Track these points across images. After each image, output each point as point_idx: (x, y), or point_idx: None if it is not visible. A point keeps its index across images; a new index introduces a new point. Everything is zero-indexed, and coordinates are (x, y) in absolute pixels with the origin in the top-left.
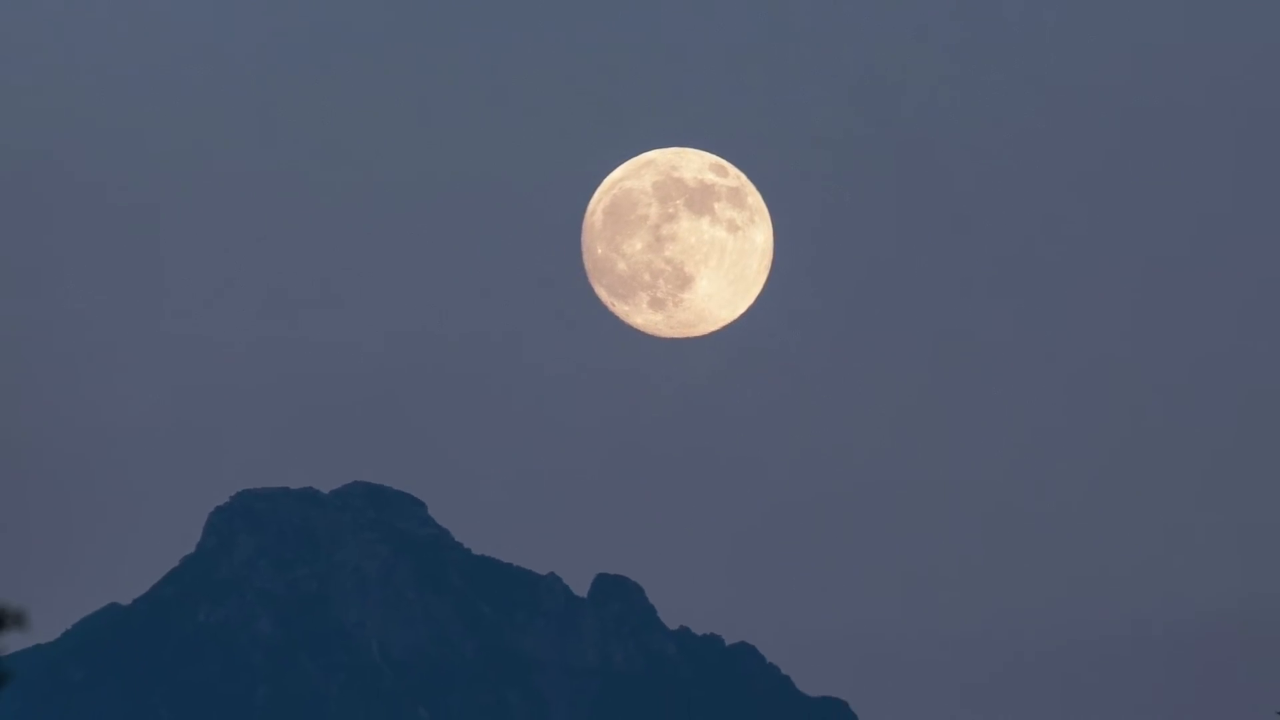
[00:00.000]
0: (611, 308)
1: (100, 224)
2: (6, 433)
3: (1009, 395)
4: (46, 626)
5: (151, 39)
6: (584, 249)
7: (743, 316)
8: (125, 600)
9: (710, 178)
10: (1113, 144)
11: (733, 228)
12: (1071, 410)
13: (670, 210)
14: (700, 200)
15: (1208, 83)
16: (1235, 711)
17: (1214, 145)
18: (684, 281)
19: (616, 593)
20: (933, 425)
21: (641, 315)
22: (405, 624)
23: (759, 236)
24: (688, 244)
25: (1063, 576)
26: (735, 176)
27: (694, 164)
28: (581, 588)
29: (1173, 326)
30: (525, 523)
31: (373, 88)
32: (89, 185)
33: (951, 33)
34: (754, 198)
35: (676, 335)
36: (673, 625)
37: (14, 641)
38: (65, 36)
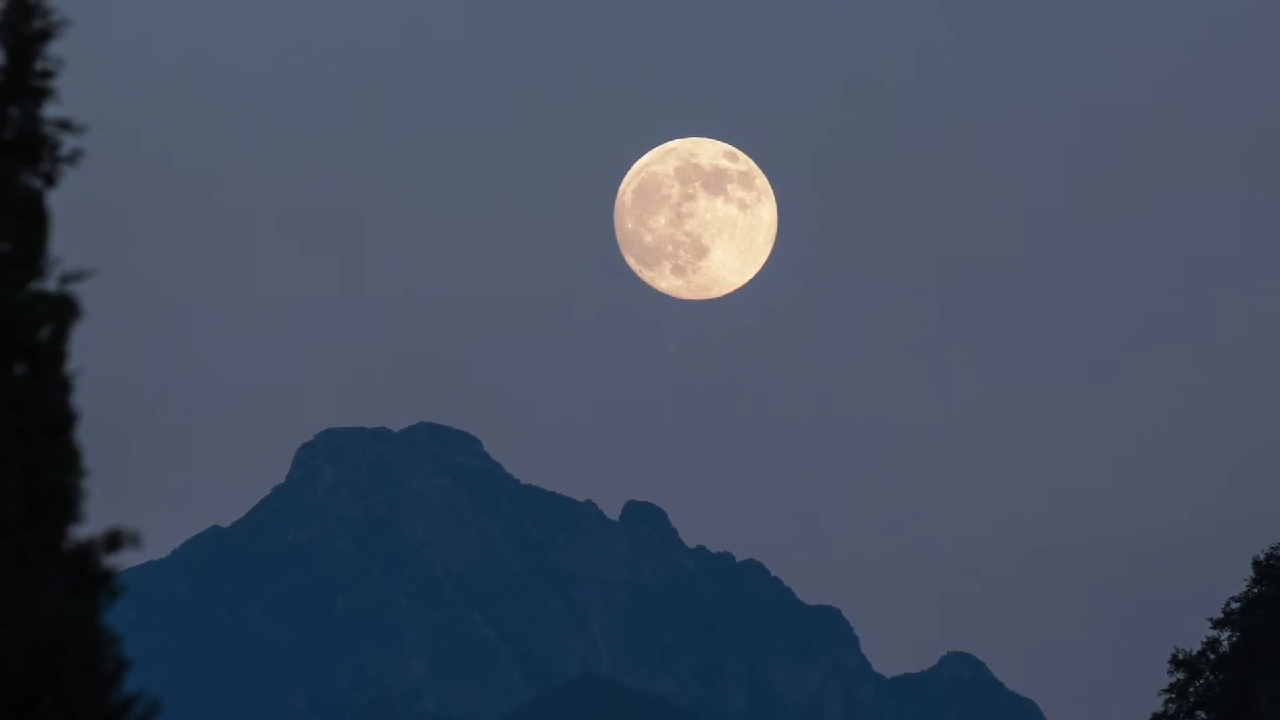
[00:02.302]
0: (639, 274)
1: (204, 205)
2: (128, 382)
3: (978, 347)
4: (158, 545)
5: (249, 52)
6: (616, 224)
7: (752, 281)
8: (225, 523)
9: (724, 163)
10: (1073, 131)
11: (743, 206)
12: (1032, 362)
13: (689, 191)
14: (715, 182)
15: (1161, 81)
16: (1169, 610)
17: (1164, 136)
18: (701, 252)
19: (644, 517)
20: (914, 372)
21: (665, 281)
22: (463, 543)
23: (766, 213)
24: (704, 220)
25: (1025, 500)
26: (745, 162)
27: (709, 151)
28: (614, 512)
29: (1118, 294)
30: (566, 457)
31: (432, 87)
32: (196, 174)
33: (935, 36)
34: (761, 180)
35: (695, 298)
36: (692, 544)
37: (129, 559)
38: (176, 47)
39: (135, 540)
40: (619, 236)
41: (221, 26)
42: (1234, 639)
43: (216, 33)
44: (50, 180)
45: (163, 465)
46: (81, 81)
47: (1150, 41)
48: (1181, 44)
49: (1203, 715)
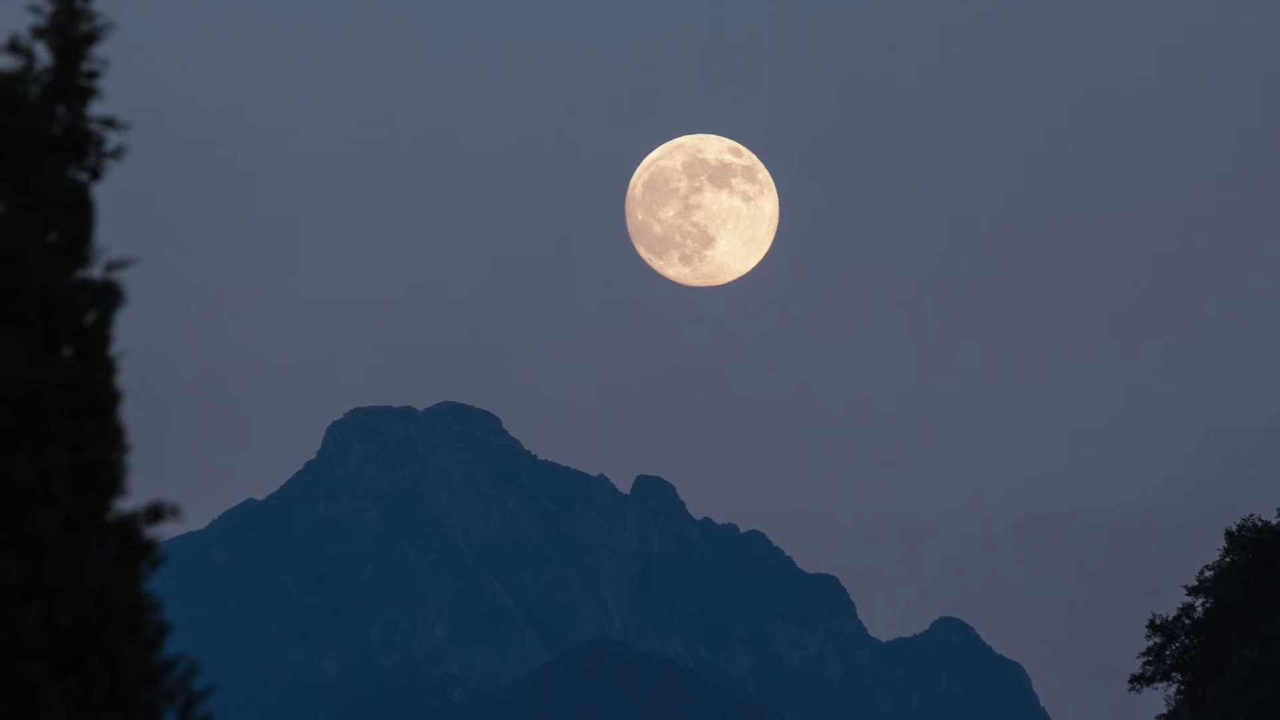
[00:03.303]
0: (649, 262)
1: (240, 197)
2: (173, 365)
3: (968, 332)
4: (196, 517)
5: (287, 56)
6: (627, 215)
7: (754, 269)
8: (260, 496)
9: (728, 158)
10: (1058, 130)
11: (746, 198)
12: (1018, 345)
13: (696, 184)
14: (720, 176)
15: (1142, 85)
16: (1147, 577)
17: (1141, 138)
18: (707, 241)
19: (653, 490)
20: (905, 351)
21: (673, 268)
22: (484, 516)
23: (768, 205)
24: (710, 211)
25: (1013, 474)
26: (748, 157)
27: (715, 147)
28: (625, 486)
29: (1108, 283)
30: (580, 435)
31: (453, 89)
32: (244, 172)
33: (925, 38)
34: (763, 174)
35: (701, 284)
36: (698, 516)
37: (170, 530)
38: (226, 48)
39: (176, 513)
40: (630, 227)
41: (255, 28)
42: (1208, 605)
43: (249, 34)
44: (95, 174)
45: (202, 443)
46: (124, 80)
47: (1138, 44)
48: (1169, 45)
49: (1179, 676)
